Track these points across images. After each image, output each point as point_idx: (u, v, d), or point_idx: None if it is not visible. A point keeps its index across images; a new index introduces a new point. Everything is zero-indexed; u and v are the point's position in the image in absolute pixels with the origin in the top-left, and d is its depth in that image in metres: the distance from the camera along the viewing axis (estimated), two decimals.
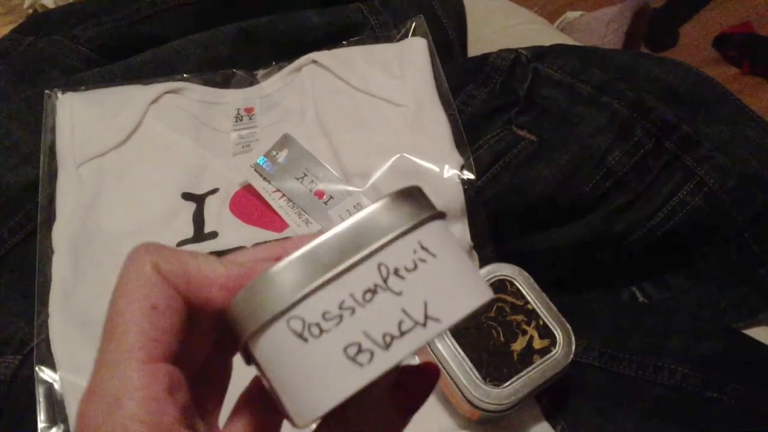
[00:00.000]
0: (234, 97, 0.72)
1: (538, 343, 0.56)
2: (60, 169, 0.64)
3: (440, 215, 0.26)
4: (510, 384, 0.54)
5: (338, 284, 0.23)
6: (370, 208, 0.24)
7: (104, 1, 0.81)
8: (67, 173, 0.64)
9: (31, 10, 1.27)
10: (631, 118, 0.65)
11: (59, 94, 0.68)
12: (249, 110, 0.71)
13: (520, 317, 0.57)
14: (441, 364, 0.55)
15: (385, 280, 0.23)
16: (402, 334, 0.23)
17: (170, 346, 0.25)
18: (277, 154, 0.67)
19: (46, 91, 0.68)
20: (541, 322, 0.57)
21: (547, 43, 0.75)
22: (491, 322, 0.56)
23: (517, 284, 0.58)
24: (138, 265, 0.25)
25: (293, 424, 0.25)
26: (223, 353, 0.29)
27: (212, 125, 0.70)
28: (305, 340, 0.23)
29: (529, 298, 0.57)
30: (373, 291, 0.23)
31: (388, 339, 0.23)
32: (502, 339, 0.56)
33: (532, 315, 0.57)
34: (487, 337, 0.56)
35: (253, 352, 0.25)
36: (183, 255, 0.26)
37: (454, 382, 0.54)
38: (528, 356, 0.55)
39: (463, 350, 0.55)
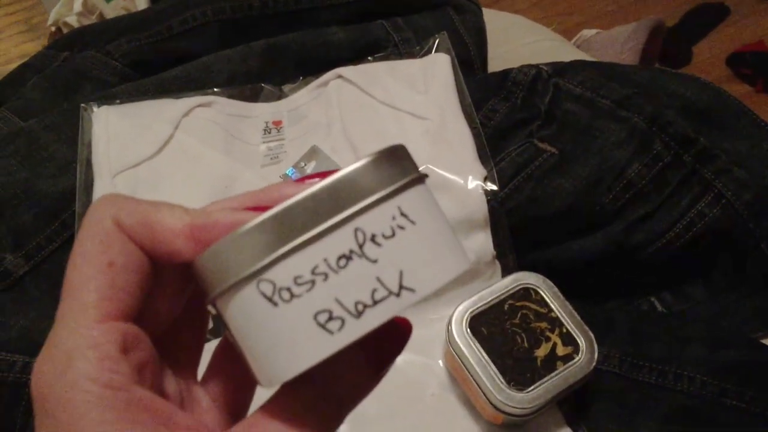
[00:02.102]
0: (262, 111, 0.74)
1: (561, 350, 0.57)
2: (96, 178, 0.66)
3: (422, 178, 0.25)
4: (533, 389, 0.55)
5: (312, 248, 0.22)
6: (350, 168, 0.23)
7: (136, 18, 0.84)
8: (103, 183, 0.66)
9: (54, 28, 1.30)
10: (650, 132, 0.67)
11: (95, 108, 0.71)
12: (277, 123, 0.73)
13: (543, 324, 0.58)
14: (466, 367, 0.56)
15: (360, 247, 0.22)
16: (375, 303, 0.22)
17: (127, 304, 0.24)
18: (305, 165, 0.69)
19: (82, 105, 0.71)
20: (565, 330, 0.58)
21: (564, 59, 0.77)
22: (516, 329, 0.58)
23: (542, 292, 0.59)
24: (97, 219, 0.24)
25: (258, 384, 0.25)
26: (199, 306, 0.28)
27: (242, 138, 0.72)
28: (275, 304, 0.22)
29: (552, 306, 0.59)
30: (348, 257, 0.22)
31: (360, 307, 0.22)
32: (526, 345, 0.57)
33: (555, 323, 0.58)
34: (511, 343, 0.57)
35: (221, 310, 0.24)
36: (145, 206, 0.25)
37: (479, 386, 0.56)
38: (551, 363, 0.57)
39: (488, 355, 0.56)
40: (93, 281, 0.23)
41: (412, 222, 0.23)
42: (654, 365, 0.62)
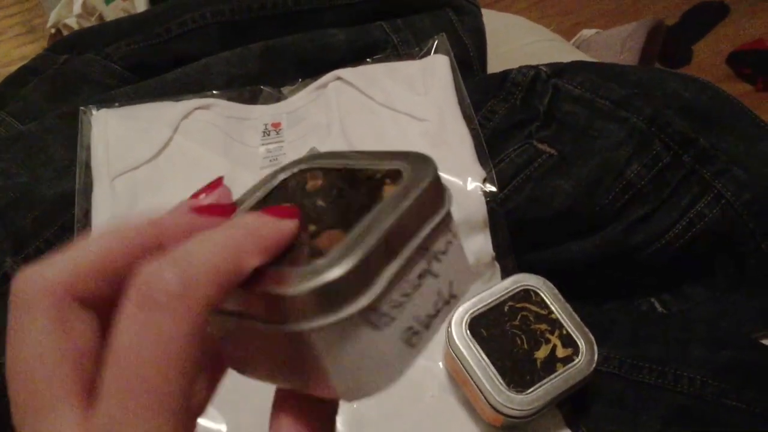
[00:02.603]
0: (261, 113, 0.74)
1: (561, 352, 0.57)
2: (95, 182, 0.66)
3: None
4: (533, 391, 0.55)
5: (403, 274, 0.24)
6: (415, 195, 0.25)
7: (135, 20, 0.83)
8: (102, 186, 0.66)
9: (53, 30, 1.30)
10: (649, 133, 0.67)
11: (94, 111, 0.71)
12: (276, 125, 0.73)
13: (543, 326, 0.58)
14: (465, 369, 0.56)
15: (429, 264, 0.25)
16: (437, 313, 0.25)
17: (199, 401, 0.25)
18: None
19: (81, 108, 0.71)
20: (565, 332, 0.58)
21: (564, 60, 0.77)
22: (516, 331, 0.58)
23: (542, 294, 0.59)
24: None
25: (336, 397, 0.25)
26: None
27: (241, 140, 0.72)
28: (377, 328, 0.24)
29: (552, 307, 0.59)
30: (423, 276, 0.24)
31: (428, 319, 0.24)
32: (525, 347, 0.57)
33: (555, 324, 0.58)
34: (511, 345, 0.57)
35: (310, 338, 0.24)
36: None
37: (478, 388, 0.56)
38: (551, 364, 0.57)
39: (488, 357, 0.56)
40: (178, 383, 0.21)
41: (455, 235, 0.26)
42: (654, 366, 0.61)
